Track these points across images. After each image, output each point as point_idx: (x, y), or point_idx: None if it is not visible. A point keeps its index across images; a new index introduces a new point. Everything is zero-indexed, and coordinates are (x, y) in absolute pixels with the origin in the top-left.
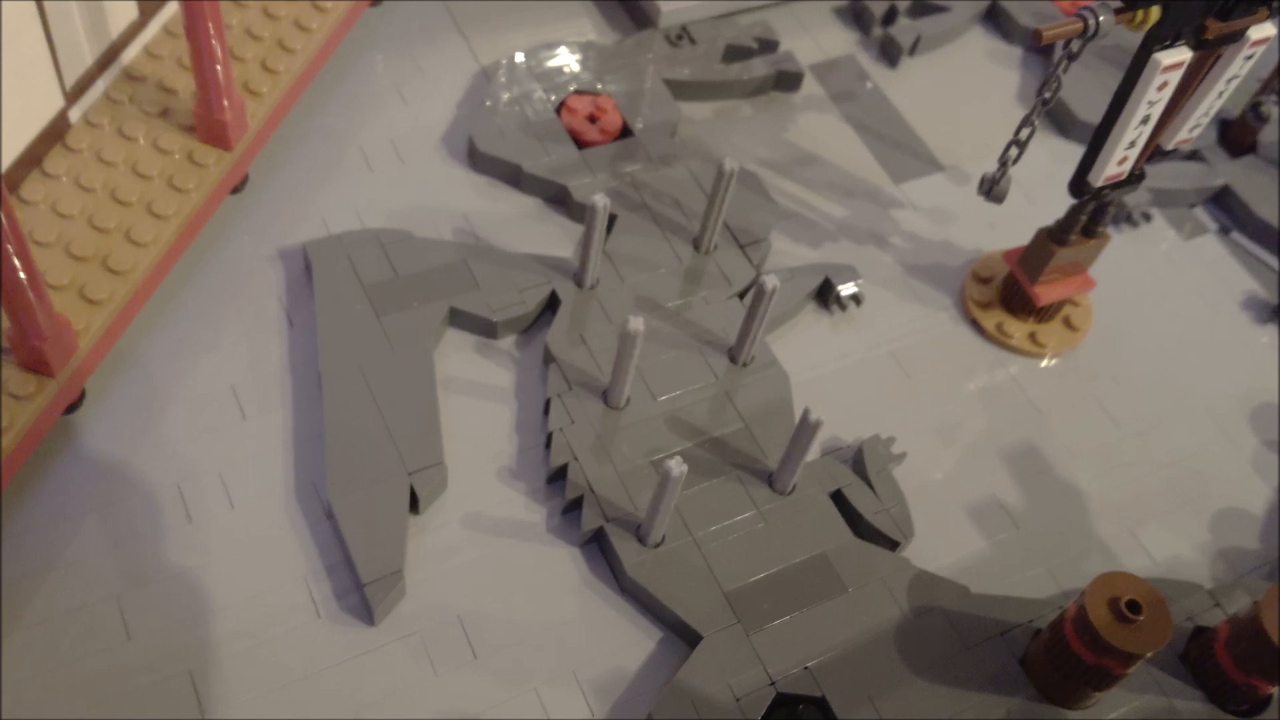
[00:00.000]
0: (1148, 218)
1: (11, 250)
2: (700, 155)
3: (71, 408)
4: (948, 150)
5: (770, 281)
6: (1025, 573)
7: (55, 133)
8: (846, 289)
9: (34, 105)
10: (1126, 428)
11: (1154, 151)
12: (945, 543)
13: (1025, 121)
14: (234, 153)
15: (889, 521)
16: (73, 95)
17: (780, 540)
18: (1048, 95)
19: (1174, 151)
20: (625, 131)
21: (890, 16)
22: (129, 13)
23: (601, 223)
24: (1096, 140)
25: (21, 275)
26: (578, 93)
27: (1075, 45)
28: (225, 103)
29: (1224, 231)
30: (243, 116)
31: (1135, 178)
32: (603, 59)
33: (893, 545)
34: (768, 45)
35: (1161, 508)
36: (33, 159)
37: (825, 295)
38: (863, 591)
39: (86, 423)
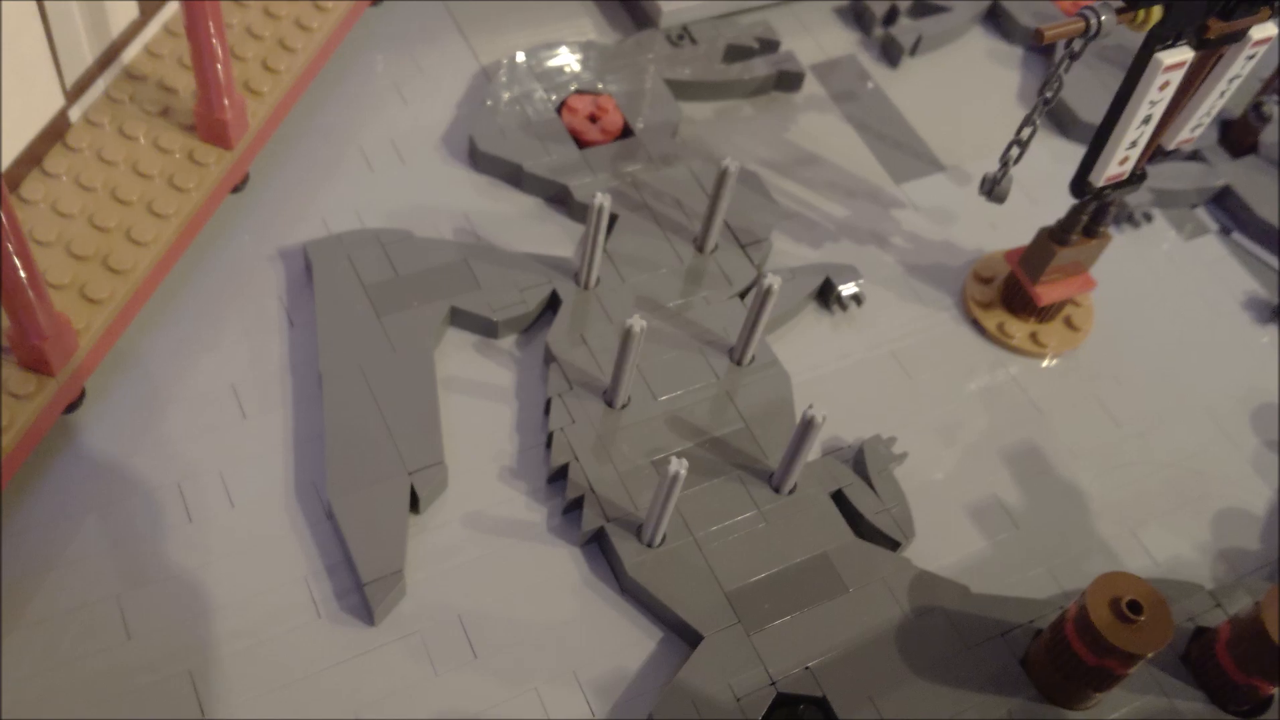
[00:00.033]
0: (1149, 218)
1: (12, 249)
2: (701, 155)
3: (72, 407)
4: (949, 150)
5: (771, 281)
6: (1026, 573)
7: (55, 132)
8: (847, 289)
9: (34, 104)
10: (1127, 428)
11: (1155, 151)
12: (946, 543)
13: (1026, 121)
14: (234, 152)
15: (890, 521)
16: (73, 94)
17: (781, 540)
18: (1049, 95)
19: (1175, 151)
20: (626, 131)
21: (891, 16)
22: (129, 12)
23: (602, 222)
24: (1098, 140)
25: (22, 274)
26: (578, 92)
27: (1077, 45)
28: (226, 102)
29: (1225, 232)
30: (243, 116)
31: (1136, 178)
32: (603, 59)
33: (894, 545)
34: (769, 45)
35: (1162, 508)
36: (33, 158)
37: (826, 295)
38: (863, 591)
39: (87, 422)
